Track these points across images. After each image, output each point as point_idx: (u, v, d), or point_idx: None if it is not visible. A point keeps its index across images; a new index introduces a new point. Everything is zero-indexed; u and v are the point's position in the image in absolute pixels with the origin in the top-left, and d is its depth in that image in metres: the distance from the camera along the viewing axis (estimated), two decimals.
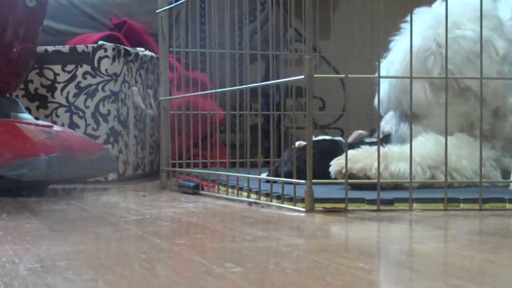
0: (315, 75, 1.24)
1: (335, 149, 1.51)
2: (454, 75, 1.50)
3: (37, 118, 1.82)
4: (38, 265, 0.77)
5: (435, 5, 1.61)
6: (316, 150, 1.34)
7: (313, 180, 1.22)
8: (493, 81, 1.49)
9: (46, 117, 1.98)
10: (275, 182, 1.34)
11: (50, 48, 1.99)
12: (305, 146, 1.43)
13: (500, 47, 1.51)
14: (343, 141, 1.64)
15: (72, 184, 1.86)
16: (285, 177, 1.33)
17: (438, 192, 1.31)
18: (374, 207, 1.24)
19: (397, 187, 1.43)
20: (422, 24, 1.56)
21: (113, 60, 1.97)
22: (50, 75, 1.99)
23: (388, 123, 1.68)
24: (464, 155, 1.51)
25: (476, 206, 1.26)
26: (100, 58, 1.97)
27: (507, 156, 1.57)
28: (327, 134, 1.81)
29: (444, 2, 1.33)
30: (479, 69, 1.31)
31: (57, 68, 1.99)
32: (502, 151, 1.57)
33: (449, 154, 1.36)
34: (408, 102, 1.36)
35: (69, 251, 0.86)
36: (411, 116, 1.33)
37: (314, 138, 1.48)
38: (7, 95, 1.75)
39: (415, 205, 1.26)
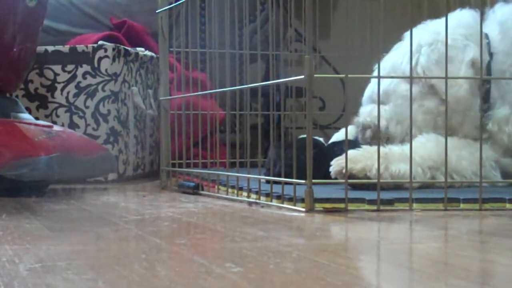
0: (315, 75, 1.24)
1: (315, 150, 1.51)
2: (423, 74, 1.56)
3: (37, 118, 1.82)
4: (38, 265, 0.77)
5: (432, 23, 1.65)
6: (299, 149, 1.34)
7: (313, 180, 1.22)
8: (456, 86, 1.51)
9: (46, 117, 1.98)
10: (275, 182, 1.34)
11: (50, 48, 1.99)
12: (289, 143, 1.43)
13: (470, 54, 1.54)
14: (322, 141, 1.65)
15: (72, 184, 1.86)
16: (277, 176, 1.33)
17: (438, 192, 1.32)
18: (374, 207, 1.24)
19: (397, 187, 1.44)
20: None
21: (113, 60, 1.97)
22: (50, 75, 1.99)
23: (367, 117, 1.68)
24: (464, 156, 1.51)
25: (476, 206, 1.26)
26: (100, 58, 1.97)
27: (507, 157, 1.58)
28: (326, 134, 1.81)
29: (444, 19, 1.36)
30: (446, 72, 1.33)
31: (57, 68, 1.99)
32: (503, 154, 1.58)
33: (450, 155, 1.36)
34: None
35: (69, 251, 0.86)
36: (411, 116, 1.33)
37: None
38: (7, 95, 1.75)
39: (415, 205, 1.26)
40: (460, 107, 1.53)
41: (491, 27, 1.62)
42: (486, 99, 1.56)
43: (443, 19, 1.55)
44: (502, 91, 1.57)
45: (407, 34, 1.63)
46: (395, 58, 1.64)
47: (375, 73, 1.57)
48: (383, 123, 1.60)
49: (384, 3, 1.30)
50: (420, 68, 1.58)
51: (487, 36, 1.59)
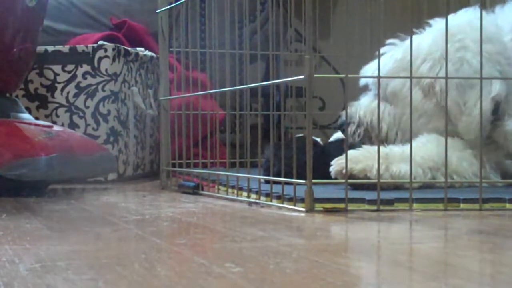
0: (315, 75, 1.24)
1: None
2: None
3: (37, 118, 1.82)
4: (38, 265, 0.77)
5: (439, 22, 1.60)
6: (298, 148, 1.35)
7: (313, 180, 1.22)
8: (471, 117, 1.49)
9: (46, 117, 1.98)
10: (275, 182, 1.34)
11: (50, 48, 2.00)
12: (286, 143, 1.43)
13: (495, 88, 1.50)
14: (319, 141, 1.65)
15: (72, 184, 1.86)
16: (276, 176, 1.33)
17: (438, 192, 1.32)
18: (374, 207, 1.24)
19: (397, 187, 1.44)
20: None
21: (113, 60, 1.97)
22: (50, 75, 1.99)
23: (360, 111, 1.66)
24: (464, 156, 1.51)
25: (476, 206, 1.26)
26: (100, 58, 1.97)
27: (508, 159, 1.57)
28: (326, 134, 1.81)
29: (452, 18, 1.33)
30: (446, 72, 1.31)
31: (57, 68, 1.99)
32: (505, 157, 1.58)
33: (450, 156, 1.36)
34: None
35: (69, 251, 0.86)
36: (411, 116, 1.33)
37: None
38: (7, 95, 1.75)
39: (415, 205, 1.26)
40: (469, 137, 1.52)
41: (504, 31, 1.56)
42: (495, 111, 1.53)
43: (465, 20, 1.51)
44: None
45: (437, 21, 1.60)
46: (414, 56, 1.57)
47: (375, 61, 1.56)
48: (382, 126, 1.59)
49: (384, 3, 1.30)
50: (438, 86, 1.52)
51: (505, 45, 1.53)
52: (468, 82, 1.47)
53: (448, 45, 1.41)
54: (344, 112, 1.61)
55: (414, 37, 1.52)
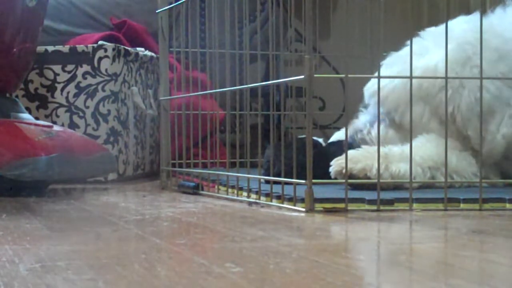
0: (315, 75, 1.24)
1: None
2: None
3: (37, 118, 1.82)
4: (38, 265, 0.77)
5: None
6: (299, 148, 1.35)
7: (313, 180, 1.22)
8: (494, 142, 1.50)
9: (46, 117, 1.98)
10: (275, 182, 1.34)
11: (50, 48, 2.00)
12: (287, 143, 1.43)
13: None
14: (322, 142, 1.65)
15: (72, 184, 1.86)
16: (276, 176, 1.33)
17: (438, 192, 1.32)
18: (374, 207, 1.24)
19: (397, 187, 1.44)
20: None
21: (113, 60, 1.97)
22: (50, 75, 1.99)
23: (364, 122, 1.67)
24: (464, 156, 1.51)
25: (476, 206, 1.26)
26: (100, 58, 1.97)
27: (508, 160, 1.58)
28: (325, 134, 1.81)
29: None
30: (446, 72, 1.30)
31: (57, 68, 1.99)
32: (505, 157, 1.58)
33: (450, 156, 1.36)
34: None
35: (69, 251, 0.86)
36: (411, 117, 1.33)
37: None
38: (7, 95, 1.75)
39: (415, 205, 1.26)
40: (491, 160, 1.52)
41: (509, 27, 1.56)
42: None
43: (476, 37, 1.46)
44: None
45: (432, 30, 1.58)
46: (433, 61, 1.52)
47: (384, 68, 1.56)
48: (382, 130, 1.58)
49: (384, 3, 1.30)
50: (460, 116, 1.50)
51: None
52: (489, 110, 1.47)
53: (465, 70, 1.42)
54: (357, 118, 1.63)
55: (422, 57, 1.51)
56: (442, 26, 1.38)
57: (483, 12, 1.34)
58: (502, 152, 1.51)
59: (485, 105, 1.37)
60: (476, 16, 1.53)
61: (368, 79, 1.64)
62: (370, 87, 1.62)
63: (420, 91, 1.52)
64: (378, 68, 1.39)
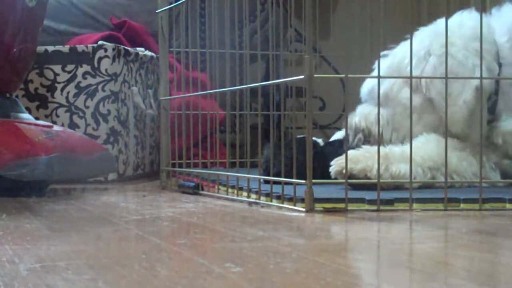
0: (315, 75, 1.24)
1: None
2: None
3: (37, 118, 1.82)
4: (38, 265, 0.77)
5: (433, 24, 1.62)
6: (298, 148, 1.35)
7: (313, 180, 1.22)
8: (456, 106, 1.49)
9: (46, 117, 1.98)
10: (275, 182, 1.34)
11: (50, 48, 1.99)
12: (286, 143, 1.43)
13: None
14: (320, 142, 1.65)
15: (72, 184, 1.86)
16: (276, 176, 1.33)
17: (438, 192, 1.32)
18: (374, 207, 1.24)
19: (397, 187, 1.44)
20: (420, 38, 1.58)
21: (113, 60, 1.97)
22: (50, 75, 1.99)
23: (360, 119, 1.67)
24: (464, 157, 1.51)
25: (476, 206, 1.26)
26: (100, 58, 1.97)
27: (508, 160, 1.58)
28: (326, 134, 1.81)
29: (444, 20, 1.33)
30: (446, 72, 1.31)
31: (57, 68, 1.99)
32: (505, 157, 1.58)
33: (450, 156, 1.36)
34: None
35: (69, 251, 0.86)
36: (411, 117, 1.33)
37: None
38: (7, 95, 1.75)
39: (415, 205, 1.26)
40: (455, 128, 1.51)
41: (500, 32, 1.57)
42: (491, 110, 1.54)
43: (457, 21, 1.53)
44: (510, 104, 1.54)
45: (437, 22, 1.61)
46: (401, 57, 1.60)
47: (375, 71, 1.57)
48: (375, 128, 1.59)
49: (384, 3, 1.30)
50: (424, 80, 1.54)
51: (495, 43, 1.55)
52: (453, 74, 1.47)
53: (433, 42, 1.43)
54: (354, 115, 1.64)
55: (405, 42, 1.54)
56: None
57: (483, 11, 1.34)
58: (466, 119, 1.50)
59: (450, 71, 1.37)
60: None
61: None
62: (365, 86, 1.66)
63: (392, 67, 1.60)
64: (378, 68, 1.40)
